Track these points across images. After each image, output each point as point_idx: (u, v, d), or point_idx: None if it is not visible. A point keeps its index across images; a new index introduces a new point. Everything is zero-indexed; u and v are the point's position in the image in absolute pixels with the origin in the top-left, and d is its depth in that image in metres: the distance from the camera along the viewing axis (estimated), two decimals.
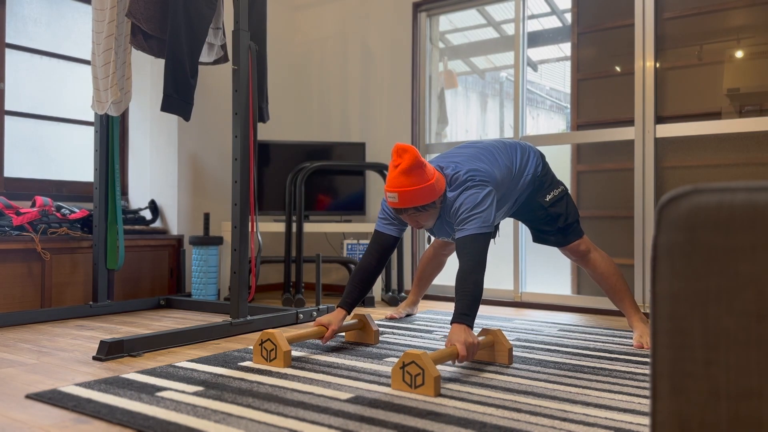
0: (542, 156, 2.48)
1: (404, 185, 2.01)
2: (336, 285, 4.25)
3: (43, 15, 3.54)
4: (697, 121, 3.05)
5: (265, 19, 3.16)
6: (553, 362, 2.03)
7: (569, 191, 2.50)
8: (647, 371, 1.91)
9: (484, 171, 2.17)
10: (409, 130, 3.92)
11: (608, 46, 3.36)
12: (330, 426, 1.37)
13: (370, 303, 3.43)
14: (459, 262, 2.03)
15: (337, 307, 2.24)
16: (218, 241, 3.53)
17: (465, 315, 1.92)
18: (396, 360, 2.05)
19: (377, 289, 3.67)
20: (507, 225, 3.64)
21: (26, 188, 3.41)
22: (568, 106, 3.51)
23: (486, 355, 2.04)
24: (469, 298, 1.94)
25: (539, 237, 2.52)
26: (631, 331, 2.61)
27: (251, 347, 2.27)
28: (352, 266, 3.61)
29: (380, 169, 3.60)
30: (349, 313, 2.24)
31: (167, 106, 2.69)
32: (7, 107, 3.36)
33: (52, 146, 3.58)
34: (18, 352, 2.17)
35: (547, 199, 2.43)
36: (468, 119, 3.97)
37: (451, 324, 1.94)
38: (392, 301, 3.48)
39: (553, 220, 2.43)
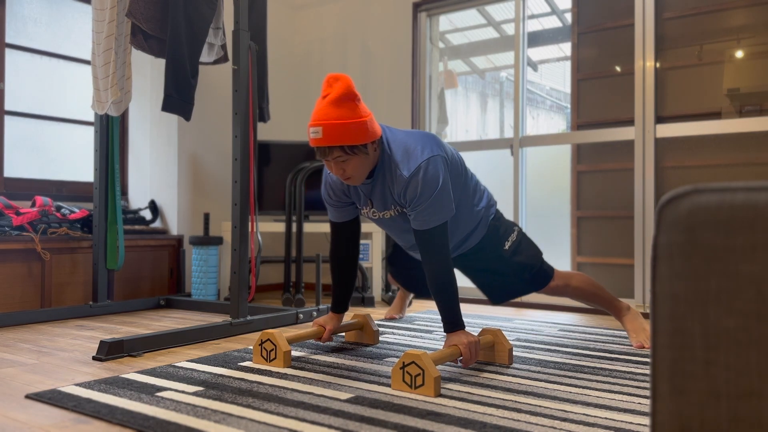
0: (494, 201, 2.26)
1: (331, 117, 1.71)
2: None
3: (43, 15, 3.54)
4: (697, 121, 3.05)
5: (265, 19, 3.16)
6: (553, 362, 2.03)
7: (525, 232, 2.33)
8: (647, 371, 1.91)
9: (433, 142, 1.90)
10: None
11: (608, 46, 3.36)
12: (330, 426, 1.37)
13: (370, 303, 3.43)
14: (424, 259, 1.88)
15: (330, 312, 2.22)
16: (218, 241, 3.53)
17: (455, 322, 1.88)
18: (396, 360, 2.05)
19: (377, 289, 3.67)
20: None
21: (26, 188, 3.41)
22: (568, 106, 3.51)
23: (486, 355, 2.04)
24: (451, 302, 1.86)
25: (506, 294, 2.24)
26: None
27: (251, 347, 2.27)
28: None
29: None
30: (342, 313, 2.21)
31: (167, 106, 2.69)
32: (7, 107, 3.36)
33: (52, 146, 3.58)
34: (18, 352, 2.17)
35: (507, 248, 2.18)
36: (468, 119, 3.97)
37: (445, 333, 1.92)
38: (392, 301, 3.48)
39: (518, 273, 2.19)
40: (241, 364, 1.98)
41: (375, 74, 4.10)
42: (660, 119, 3.17)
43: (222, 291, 3.62)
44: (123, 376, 1.81)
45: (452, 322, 1.88)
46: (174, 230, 3.69)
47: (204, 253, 3.48)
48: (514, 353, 2.17)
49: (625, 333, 2.58)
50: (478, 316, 3.05)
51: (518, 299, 3.54)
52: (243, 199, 2.55)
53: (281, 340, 1.96)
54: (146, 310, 3.26)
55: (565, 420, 1.43)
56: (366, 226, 3.63)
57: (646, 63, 3.18)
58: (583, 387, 1.72)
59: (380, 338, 2.44)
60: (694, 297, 0.68)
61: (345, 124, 1.72)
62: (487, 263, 2.21)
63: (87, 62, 3.73)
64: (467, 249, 2.19)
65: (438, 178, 1.82)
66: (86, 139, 3.74)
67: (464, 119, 3.98)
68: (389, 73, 4.04)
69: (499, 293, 2.25)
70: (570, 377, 1.83)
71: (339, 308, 2.20)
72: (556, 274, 2.28)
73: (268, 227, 3.58)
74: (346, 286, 2.18)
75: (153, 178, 3.79)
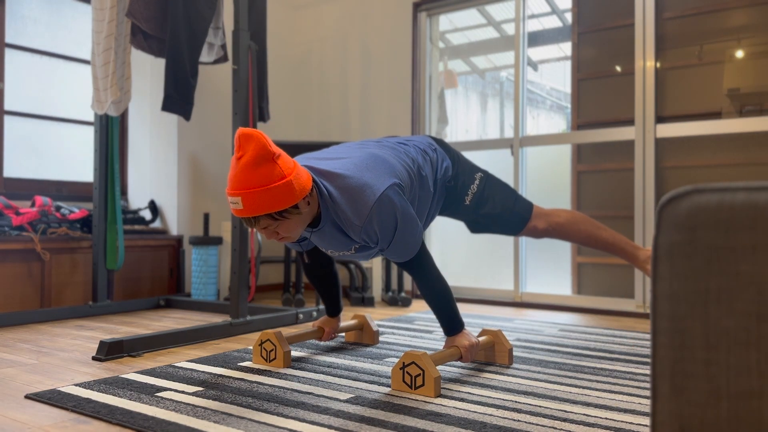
0: (446, 148, 2.08)
1: (250, 184, 1.51)
2: None
3: (43, 15, 3.54)
4: (697, 121, 3.05)
5: (265, 19, 3.16)
6: (553, 362, 2.03)
7: (490, 174, 2.15)
8: (647, 371, 1.91)
9: (381, 168, 1.73)
10: (409, 130, 3.92)
11: (608, 46, 3.36)
12: (330, 426, 1.37)
13: (370, 303, 3.43)
14: (415, 279, 1.81)
15: (324, 316, 2.23)
16: (218, 241, 3.53)
17: (454, 326, 1.87)
18: (396, 360, 2.04)
19: (377, 289, 3.67)
20: None
21: (26, 188, 3.41)
22: (569, 106, 3.51)
23: (486, 356, 2.04)
24: (448, 309, 1.83)
25: (480, 230, 2.16)
26: (632, 332, 2.61)
27: (251, 347, 2.26)
28: (352, 266, 3.61)
29: None
30: (337, 315, 2.22)
31: (167, 106, 2.69)
32: (7, 107, 3.36)
33: (52, 146, 3.58)
34: (18, 352, 2.17)
35: (468, 203, 2.06)
36: (468, 119, 3.97)
37: (446, 336, 1.91)
38: (392, 301, 3.48)
39: (487, 220, 2.10)
40: (241, 364, 1.98)
41: (375, 74, 4.10)
42: (660, 119, 3.17)
43: (222, 291, 3.62)
44: (123, 376, 1.81)
45: (451, 326, 1.87)
46: (174, 230, 3.69)
47: (204, 253, 3.48)
48: (514, 353, 2.17)
49: (624, 333, 2.58)
50: (478, 316, 3.05)
51: (518, 299, 3.54)
52: None
53: (281, 341, 1.96)
54: (146, 310, 3.26)
55: (565, 420, 1.42)
56: None
57: (646, 63, 3.18)
58: (583, 387, 1.72)
59: (380, 338, 2.44)
60: (694, 297, 0.68)
61: (266, 190, 1.51)
62: (455, 215, 2.13)
63: (87, 62, 3.73)
64: (438, 209, 2.10)
65: (394, 214, 1.66)
66: (86, 139, 3.74)
67: (464, 119, 3.98)
68: (389, 73, 4.04)
69: (473, 229, 2.17)
70: (570, 377, 1.83)
71: (333, 312, 2.21)
72: (537, 215, 2.12)
73: None
74: (333, 293, 2.19)
75: (153, 178, 3.79)
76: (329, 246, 1.83)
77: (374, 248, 1.80)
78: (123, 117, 3.89)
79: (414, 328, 2.71)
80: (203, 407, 1.51)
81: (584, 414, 1.47)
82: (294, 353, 2.15)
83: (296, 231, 1.65)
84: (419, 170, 1.89)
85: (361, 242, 1.75)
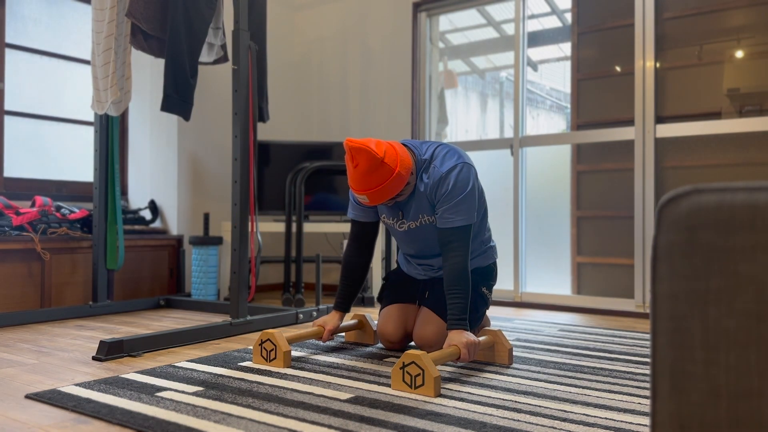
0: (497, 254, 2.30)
1: (371, 186, 1.87)
2: (336, 285, 4.25)
3: (43, 15, 3.54)
4: (697, 121, 3.05)
5: (265, 19, 3.16)
6: (553, 362, 2.03)
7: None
8: (647, 371, 1.91)
9: (468, 158, 2.04)
10: (409, 130, 3.92)
11: (608, 46, 3.36)
12: (330, 426, 1.37)
13: (370, 303, 3.43)
14: (445, 254, 1.95)
15: (333, 310, 2.22)
16: (218, 241, 3.53)
17: (462, 320, 1.89)
18: (396, 360, 2.04)
19: (377, 289, 3.67)
20: (506, 224, 3.64)
21: (26, 188, 3.41)
22: (568, 106, 3.51)
23: (486, 356, 2.04)
24: (464, 299, 1.91)
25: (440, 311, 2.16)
26: (633, 332, 2.61)
27: (251, 347, 2.26)
28: None
29: None
30: (345, 313, 2.21)
31: (167, 106, 2.69)
32: (7, 107, 3.36)
33: (52, 146, 3.58)
34: (18, 352, 2.17)
35: (482, 291, 2.18)
36: (468, 119, 3.97)
37: (448, 330, 1.92)
38: None
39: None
40: (241, 364, 1.98)
41: (375, 74, 4.10)
42: (660, 119, 3.17)
43: (222, 291, 3.62)
44: (123, 376, 1.81)
45: (458, 319, 1.89)
46: (174, 230, 3.69)
47: (204, 253, 3.48)
48: (514, 353, 2.17)
49: (624, 333, 2.58)
50: None
51: (518, 299, 3.54)
52: (243, 199, 2.55)
53: (281, 340, 1.96)
54: (146, 310, 3.26)
55: (565, 420, 1.42)
56: None
57: (646, 63, 3.18)
58: (583, 387, 1.72)
59: None
60: (694, 297, 0.68)
61: (384, 186, 1.87)
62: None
63: (87, 62, 3.73)
64: None
65: (469, 181, 1.97)
66: (86, 139, 3.74)
67: (464, 119, 3.98)
68: (389, 73, 4.04)
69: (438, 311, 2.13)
70: (570, 377, 1.83)
71: (343, 307, 2.19)
72: None
73: (268, 227, 3.58)
74: (354, 288, 2.20)
75: (153, 178, 3.79)
76: (414, 210, 2.05)
77: (431, 225, 2.06)
78: (123, 117, 3.89)
79: None
80: (203, 407, 1.51)
81: (584, 414, 1.47)
82: (294, 353, 2.15)
83: (406, 196, 2.01)
84: (483, 206, 2.17)
85: (432, 199, 2.00)
